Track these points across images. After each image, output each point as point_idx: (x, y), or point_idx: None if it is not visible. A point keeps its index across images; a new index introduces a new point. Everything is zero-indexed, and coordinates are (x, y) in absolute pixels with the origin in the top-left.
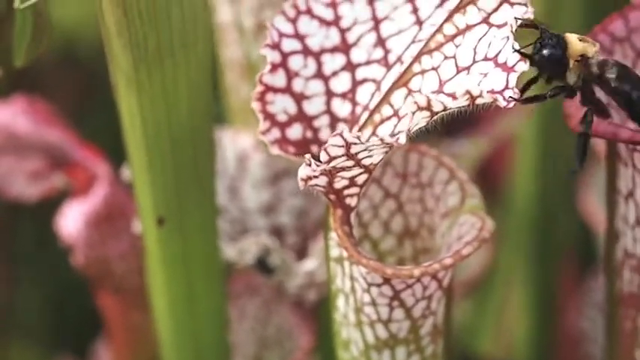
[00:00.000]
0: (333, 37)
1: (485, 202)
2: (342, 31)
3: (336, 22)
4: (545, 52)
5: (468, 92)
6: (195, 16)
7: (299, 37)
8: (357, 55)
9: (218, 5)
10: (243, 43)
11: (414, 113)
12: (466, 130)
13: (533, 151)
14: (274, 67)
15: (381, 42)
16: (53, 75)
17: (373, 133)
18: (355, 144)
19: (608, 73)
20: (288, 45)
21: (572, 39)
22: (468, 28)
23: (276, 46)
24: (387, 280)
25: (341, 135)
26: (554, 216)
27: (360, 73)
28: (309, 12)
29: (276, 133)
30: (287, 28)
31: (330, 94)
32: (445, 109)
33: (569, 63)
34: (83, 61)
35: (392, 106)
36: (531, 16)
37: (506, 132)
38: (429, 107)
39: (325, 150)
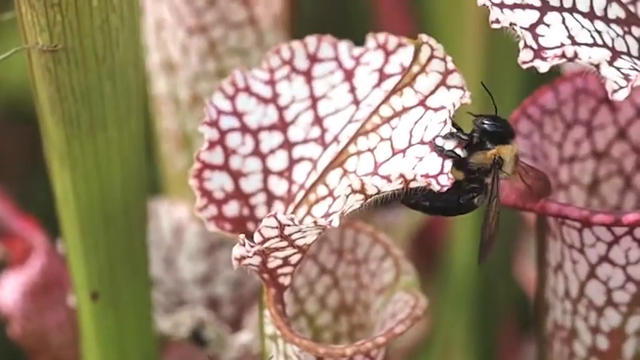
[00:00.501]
0: (271, 115)
1: (422, 270)
2: (280, 109)
3: (274, 99)
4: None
5: (402, 176)
6: (128, 90)
7: (237, 114)
8: (294, 133)
9: (153, 77)
10: (178, 115)
11: (347, 196)
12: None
13: (469, 217)
14: (212, 145)
15: (318, 120)
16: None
17: (308, 213)
18: (289, 225)
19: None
20: (226, 122)
21: (513, 148)
22: (405, 110)
23: (214, 124)
24: (320, 359)
25: (275, 216)
26: (491, 282)
27: (297, 152)
28: (247, 89)
29: (212, 210)
30: (225, 105)
31: (267, 172)
32: (379, 192)
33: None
34: (28, 120)
35: (327, 186)
36: (468, 101)
37: None
38: (362, 190)
39: (259, 231)
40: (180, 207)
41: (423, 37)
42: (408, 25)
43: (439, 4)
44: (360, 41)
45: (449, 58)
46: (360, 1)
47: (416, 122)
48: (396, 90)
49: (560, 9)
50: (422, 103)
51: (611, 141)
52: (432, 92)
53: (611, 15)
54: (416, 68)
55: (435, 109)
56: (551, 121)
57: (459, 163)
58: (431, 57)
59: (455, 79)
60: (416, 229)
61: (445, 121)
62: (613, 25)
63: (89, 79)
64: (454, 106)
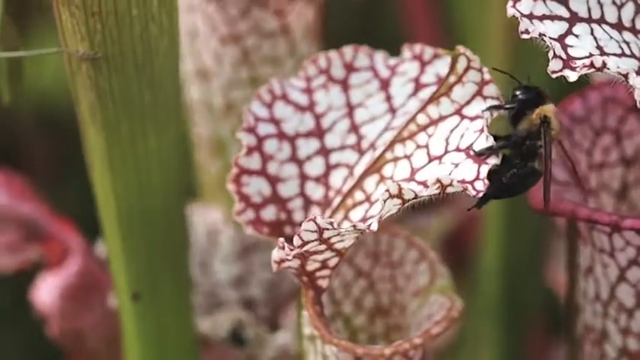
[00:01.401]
0: (308, 123)
1: (453, 274)
2: (317, 117)
3: (310, 107)
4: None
5: (438, 181)
6: (167, 98)
7: (274, 121)
8: (331, 140)
9: (188, 84)
10: (212, 122)
11: (385, 200)
12: (432, 203)
13: (499, 222)
14: (250, 150)
15: (354, 128)
16: (31, 138)
17: (345, 218)
18: (328, 229)
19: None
20: (264, 129)
21: (551, 106)
22: (441, 118)
23: (251, 130)
24: (358, 359)
25: (314, 220)
26: (521, 285)
27: (334, 158)
28: (284, 97)
29: (250, 214)
30: (263, 112)
31: (304, 178)
32: (416, 197)
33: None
34: (62, 124)
35: (364, 191)
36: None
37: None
38: (400, 195)
39: (299, 235)
40: (214, 211)
41: (460, 48)
42: (436, 35)
43: (467, 14)
44: (390, 50)
45: (485, 69)
46: (389, 12)
47: (452, 130)
48: (432, 99)
49: (589, 20)
50: (458, 112)
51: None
52: (468, 102)
53: (639, 26)
54: (452, 78)
55: (471, 118)
56: (581, 129)
57: (506, 139)
58: (468, 68)
59: (491, 89)
60: (446, 232)
61: (481, 130)
62: None
63: (129, 87)
64: (491, 116)
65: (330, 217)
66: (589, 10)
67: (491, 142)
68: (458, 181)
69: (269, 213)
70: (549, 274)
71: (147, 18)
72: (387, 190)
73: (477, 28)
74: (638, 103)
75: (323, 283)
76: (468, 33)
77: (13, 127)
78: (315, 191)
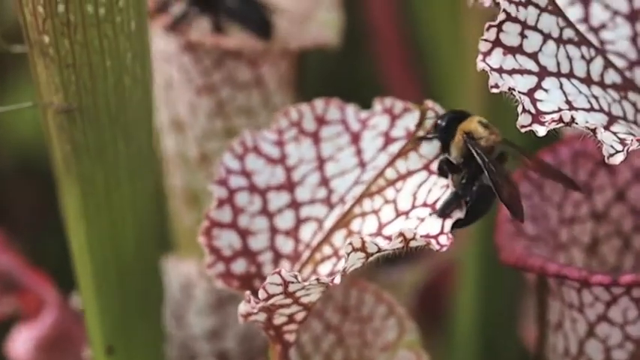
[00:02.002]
0: (279, 175)
1: (426, 327)
2: (288, 170)
3: (282, 160)
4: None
5: (401, 235)
6: (141, 149)
7: (246, 173)
8: (301, 193)
9: (163, 135)
10: (186, 173)
11: (349, 254)
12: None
13: (474, 275)
14: (221, 203)
15: (325, 181)
16: (9, 188)
17: (314, 272)
18: (292, 282)
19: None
20: (235, 182)
21: (471, 120)
22: (409, 173)
23: (223, 183)
24: None
25: (279, 273)
26: (494, 340)
27: (304, 212)
28: (256, 149)
29: (220, 267)
30: (234, 164)
31: (274, 231)
32: (380, 250)
33: (453, 136)
34: (41, 174)
35: (332, 245)
36: None
37: (446, 258)
38: (364, 249)
39: (264, 288)
40: (188, 263)
41: (429, 102)
42: (413, 85)
43: (445, 64)
44: (365, 99)
45: None
46: (365, 59)
47: (419, 185)
48: (401, 153)
49: (558, 74)
50: (426, 167)
51: (610, 202)
52: (436, 157)
53: (608, 80)
54: (421, 133)
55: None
56: (551, 183)
57: (449, 169)
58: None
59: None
60: (420, 286)
61: (448, 185)
62: (610, 91)
63: (103, 138)
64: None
65: (299, 271)
66: (558, 64)
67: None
68: (421, 236)
69: (239, 266)
70: (524, 331)
71: (121, 69)
72: (350, 244)
73: (454, 80)
74: (606, 158)
75: (290, 337)
76: (445, 84)
77: None
78: (285, 245)
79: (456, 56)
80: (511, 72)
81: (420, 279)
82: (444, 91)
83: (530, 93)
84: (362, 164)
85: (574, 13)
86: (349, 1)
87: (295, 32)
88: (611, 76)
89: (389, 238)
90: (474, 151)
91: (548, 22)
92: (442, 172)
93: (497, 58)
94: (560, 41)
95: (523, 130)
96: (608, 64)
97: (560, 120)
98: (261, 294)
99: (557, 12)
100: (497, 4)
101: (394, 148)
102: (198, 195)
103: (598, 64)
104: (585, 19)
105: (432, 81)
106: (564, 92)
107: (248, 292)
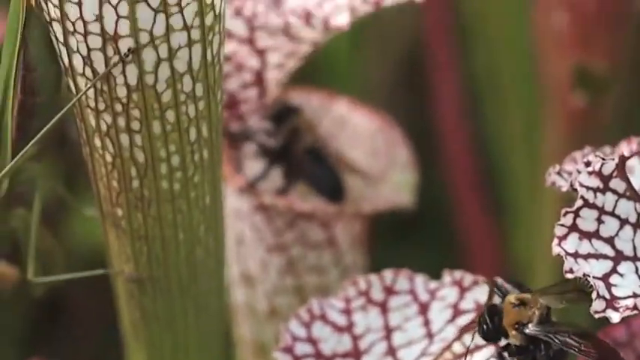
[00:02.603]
0: (346, 343)
1: None
2: (355, 338)
3: (349, 328)
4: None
5: None
6: (210, 318)
7: (312, 341)
8: None
9: (233, 287)
10: (255, 325)
11: None
12: None
13: None
14: None
15: (391, 351)
16: (75, 291)
17: None
18: None
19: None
20: (301, 349)
21: (507, 311)
22: (477, 348)
23: (289, 350)
24: None
25: None
26: None
27: None
28: (323, 317)
29: None
30: (301, 331)
31: None
32: None
33: (506, 333)
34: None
35: None
36: None
37: None
38: None
39: None
40: None
41: (498, 279)
42: (484, 218)
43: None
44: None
45: None
46: (434, 188)
47: None
48: (469, 327)
49: (634, 258)
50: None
51: None
52: None
53: None
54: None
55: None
56: (624, 353)
57: (515, 351)
58: None
59: None
60: None
61: None
62: None
63: (173, 307)
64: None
65: None
66: (634, 248)
67: None
68: None
69: None
70: None
71: (193, 242)
72: None
73: (532, 257)
74: None
75: None
76: (522, 258)
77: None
78: None
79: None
80: (586, 256)
81: None
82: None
83: (605, 277)
84: (429, 335)
85: None
86: (424, 160)
87: (369, 193)
88: None
89: None
90: (536, 335)
91: (626, 208)
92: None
93: (572, 243)
94: (637, 226)
95: (597, 316)
96: None
97: (635, 307)
98: None
99: (636, 197)
100: (575, 190)
101: (462, 320)
102: (265, 347)
103: None
104: None
105: (511, 251)
106: (639, 276)
107: None
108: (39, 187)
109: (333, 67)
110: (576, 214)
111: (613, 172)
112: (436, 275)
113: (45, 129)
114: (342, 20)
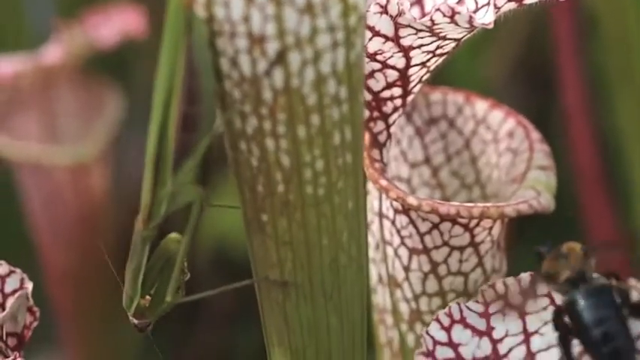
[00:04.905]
0: (485, 348)
1: None
2: (494, 342)
3: (488, 332)
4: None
5: None
6: (354, 325)
7: (452, 345)
8: None
9: (373, 291)
10: (398, 328)
11: None
12: None
13: None
14: None
15: (530, 355)
16: (205, 279)
17: None
18: None
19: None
20: (442, 353)
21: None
22: None
23: (430, 354)
24: None
25: None
26: None
27: None
28: (462, 321)
29: None
30: (441, 336)
31: None
32: None
33: None
34: (237, 269)
35: None
36: None
37: None
38: None
39: None
40: None
41: (632, 280)
42: (614, 228)
43: None
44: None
45: None
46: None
47: None
48: None
49: None
50: None
51: None
52: None
53: None
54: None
55: None
56: None
57: None
58: None
59: None
60: None
61: None
62: None
63: (317, 314)
64: None
65: None
66: None
67: None
68: None
69: None
70: None
71: (337, 248)
72: None
73: None
74: None
75: None
76: None
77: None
78: None
79: None
80: None
81: None
82: None
83: None
84: None
85: None
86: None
87: (509, 193)
88: None
89: None
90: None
91: None
92: None
93: None
94: None
95: None
96: None
97: None
98: None
99: None
100: None
101: None
102: (408, 351)
103: None
104: None
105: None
106: None
107: None
108: (194, 211)
109: (454, 64)
110: None
111: None
112: None
113: (204, 141)
114: (487, 18)
